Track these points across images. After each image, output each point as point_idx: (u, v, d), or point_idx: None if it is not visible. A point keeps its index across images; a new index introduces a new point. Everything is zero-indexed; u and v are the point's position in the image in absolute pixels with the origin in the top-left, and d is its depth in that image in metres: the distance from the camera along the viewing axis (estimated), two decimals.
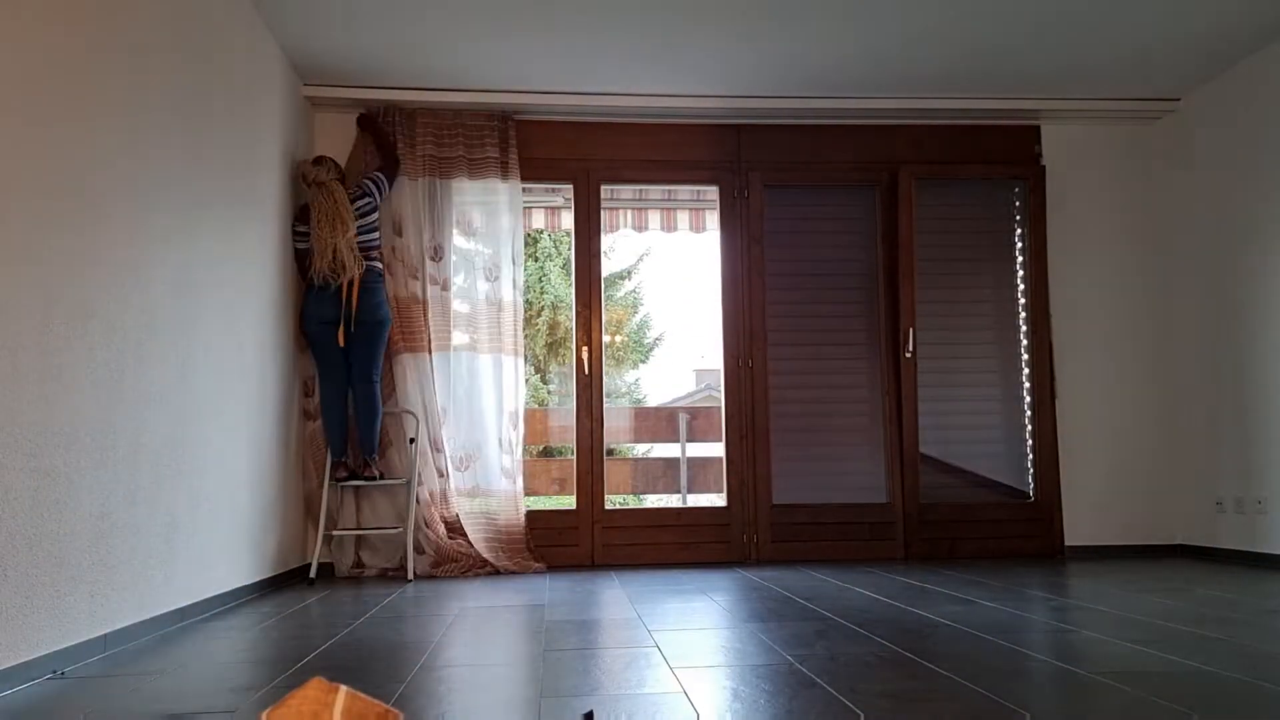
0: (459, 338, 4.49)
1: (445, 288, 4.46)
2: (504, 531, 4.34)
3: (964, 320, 4.82)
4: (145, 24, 2.77)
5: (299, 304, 4.23)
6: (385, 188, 4.34)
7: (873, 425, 4.70)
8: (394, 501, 4.38)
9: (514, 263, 4.50)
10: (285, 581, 4.00)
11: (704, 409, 4.71)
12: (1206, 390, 4.60)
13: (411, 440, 4.34)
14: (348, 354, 4.15)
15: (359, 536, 4.34)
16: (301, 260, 4.20)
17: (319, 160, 4.21)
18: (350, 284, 4.07)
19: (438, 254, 4.45)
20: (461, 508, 4.31)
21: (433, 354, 4.37)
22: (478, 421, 4.41)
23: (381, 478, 4.23)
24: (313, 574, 4.03)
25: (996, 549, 4.61)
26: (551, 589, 3.71)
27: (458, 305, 4.53)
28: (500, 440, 4.41)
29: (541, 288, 11.00)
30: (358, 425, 4.21)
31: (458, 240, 4.53)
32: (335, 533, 4.26)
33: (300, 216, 4.18)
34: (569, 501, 4.64)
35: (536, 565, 4.31)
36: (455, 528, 4.31)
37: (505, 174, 4.53)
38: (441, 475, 4.31)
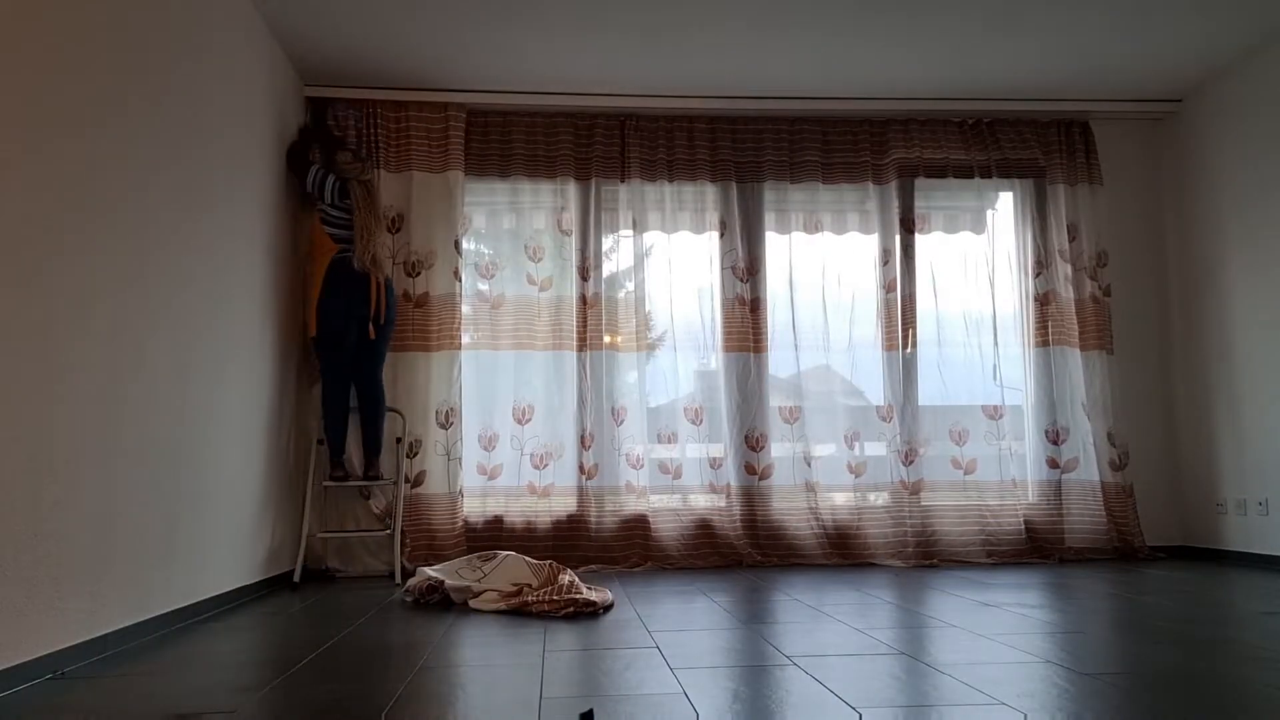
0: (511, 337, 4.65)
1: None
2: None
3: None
4: (145, 24, 2.77)
5: (308, 303, 4.19)
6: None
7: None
8: (383, 502, 4.37)
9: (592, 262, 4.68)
10: (286, 582, 3.99)
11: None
12: (1207, 392, 4.60)
13: (398, 440, 4.34)
14: (361, 353, 4.15)
15: (352, 538, 4.32)
16: (319, 237, 4.15)
17: (357, 154, 4.30)
18: (378, 282, 4.14)
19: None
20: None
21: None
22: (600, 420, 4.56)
23: (380, 477, 4.24)
24: (296, 577, 4.00)
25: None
26: None
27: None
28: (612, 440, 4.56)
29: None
30: (369, 424, 4.21)
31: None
32: (321, 535, 4.23)
33: (334, 198, 4.14)
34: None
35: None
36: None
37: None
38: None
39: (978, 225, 4.89)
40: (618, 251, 4.75)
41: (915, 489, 4.61)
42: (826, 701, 1.85)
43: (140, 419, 2.69)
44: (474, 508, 4.48)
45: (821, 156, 4.80)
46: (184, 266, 3.01)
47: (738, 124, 4.79)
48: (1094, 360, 4.71)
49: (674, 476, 4.61)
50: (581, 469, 4.53)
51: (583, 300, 4.62)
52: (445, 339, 4.45)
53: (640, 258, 4.72)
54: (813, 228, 4.80)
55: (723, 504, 4.57)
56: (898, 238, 4.76)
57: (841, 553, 4.51)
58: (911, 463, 4.62)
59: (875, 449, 4.68)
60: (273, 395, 3.89)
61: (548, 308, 4.64)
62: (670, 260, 4.74)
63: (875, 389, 4.73)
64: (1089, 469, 4.63)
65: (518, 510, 4.50)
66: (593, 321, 4.61)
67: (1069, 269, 4.76)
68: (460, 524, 4.37)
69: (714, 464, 4.62)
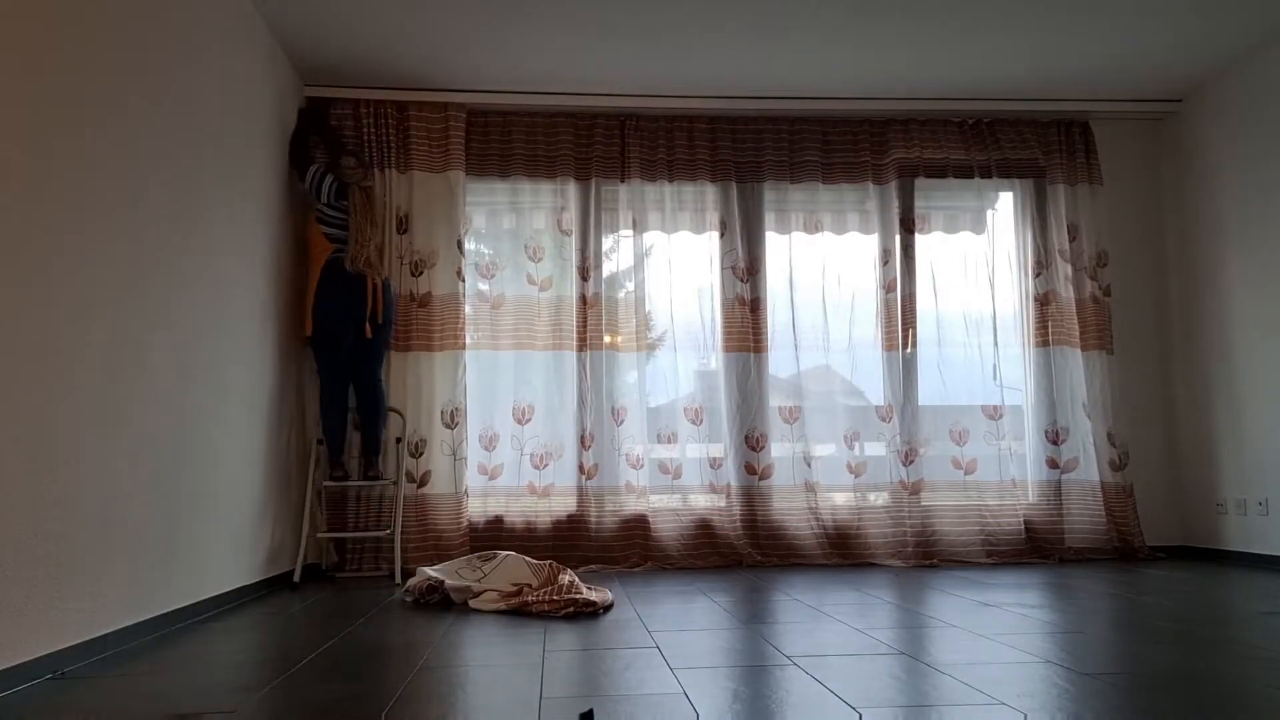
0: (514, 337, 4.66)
1: (544, 288, 4.67)
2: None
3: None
4: (145, 24, 2.77)
5: (305, 303, 4.19)
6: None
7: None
8: (382, 502, 4.37)
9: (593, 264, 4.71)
10: (286, 582, 3.99)
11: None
12: (1207, 392, 4.60)
13: (398, 440, 4.34)
14: (359, 353, 4.15)
15: (349, 539, 4.31)
16: (315, 236, 4.15)
17: (360, 159, 4.31)
18: (375, 283, 4.13)
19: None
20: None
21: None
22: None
23: (380, 478, 4.24)
24: (296, 577, 3.99)
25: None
26: None
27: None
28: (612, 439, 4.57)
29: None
30: (368, 424, 4.20)
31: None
32: (321, 535, 4.23)
33: (330, 199, 4.14)
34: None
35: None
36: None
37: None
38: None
39: (978, 225, 4.89)
40: (618, 251, 4.75)
41: (915, 489, 4.61)
42: (826, 701, 1.85)
43: (140, 419, 2.69)
44: (475, 507, 4.48)
45: (821, 156, 4.81)
46: (184, 267, 3.01)
47: (738, 124, 4.79)
48: (1094, 360, 4.71)
49: (674, 476, 4.60)
50: (581, 469, 4.53)
51: (583, 300, 4.62)
52: (449, 339, 4.45)
53: (640, 258, 4.72)
54: (813, 228, 4.80)
55: (723, 504, 4.56)
56: (898, 238, 4.76)
57: (841, 553, 4.51)
58: (911, 463, 4.62)
59: (875, 449, 4.68)
60: (273, 395, 3.89)
61: (548, 308, 4.63)
62: (670, 260, 4.74)
63: (875, 389, 4.73)
64: (1089, 469, 4.63)
65: (518, 510, 4.50)
66: (593, 321, 4.61)
67: (1069, 269, 4.76)
68: (465, 524, 4.37)
69: (714, 464, 4.62)
